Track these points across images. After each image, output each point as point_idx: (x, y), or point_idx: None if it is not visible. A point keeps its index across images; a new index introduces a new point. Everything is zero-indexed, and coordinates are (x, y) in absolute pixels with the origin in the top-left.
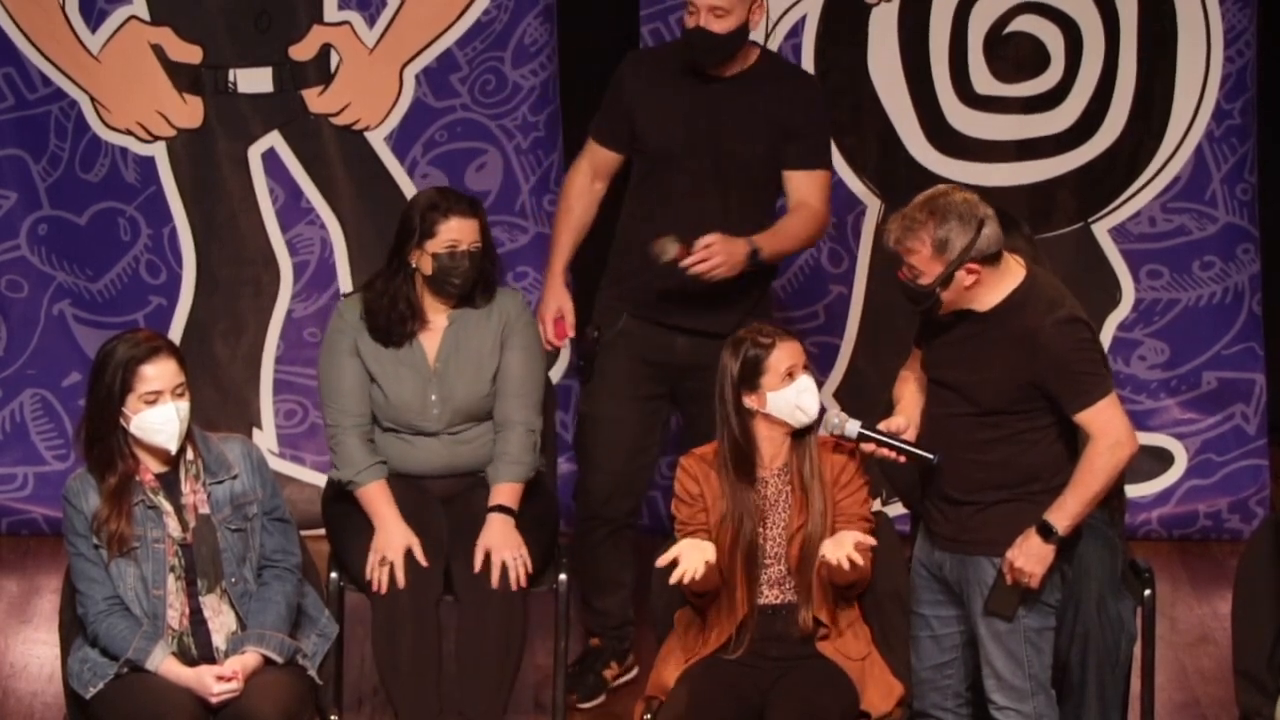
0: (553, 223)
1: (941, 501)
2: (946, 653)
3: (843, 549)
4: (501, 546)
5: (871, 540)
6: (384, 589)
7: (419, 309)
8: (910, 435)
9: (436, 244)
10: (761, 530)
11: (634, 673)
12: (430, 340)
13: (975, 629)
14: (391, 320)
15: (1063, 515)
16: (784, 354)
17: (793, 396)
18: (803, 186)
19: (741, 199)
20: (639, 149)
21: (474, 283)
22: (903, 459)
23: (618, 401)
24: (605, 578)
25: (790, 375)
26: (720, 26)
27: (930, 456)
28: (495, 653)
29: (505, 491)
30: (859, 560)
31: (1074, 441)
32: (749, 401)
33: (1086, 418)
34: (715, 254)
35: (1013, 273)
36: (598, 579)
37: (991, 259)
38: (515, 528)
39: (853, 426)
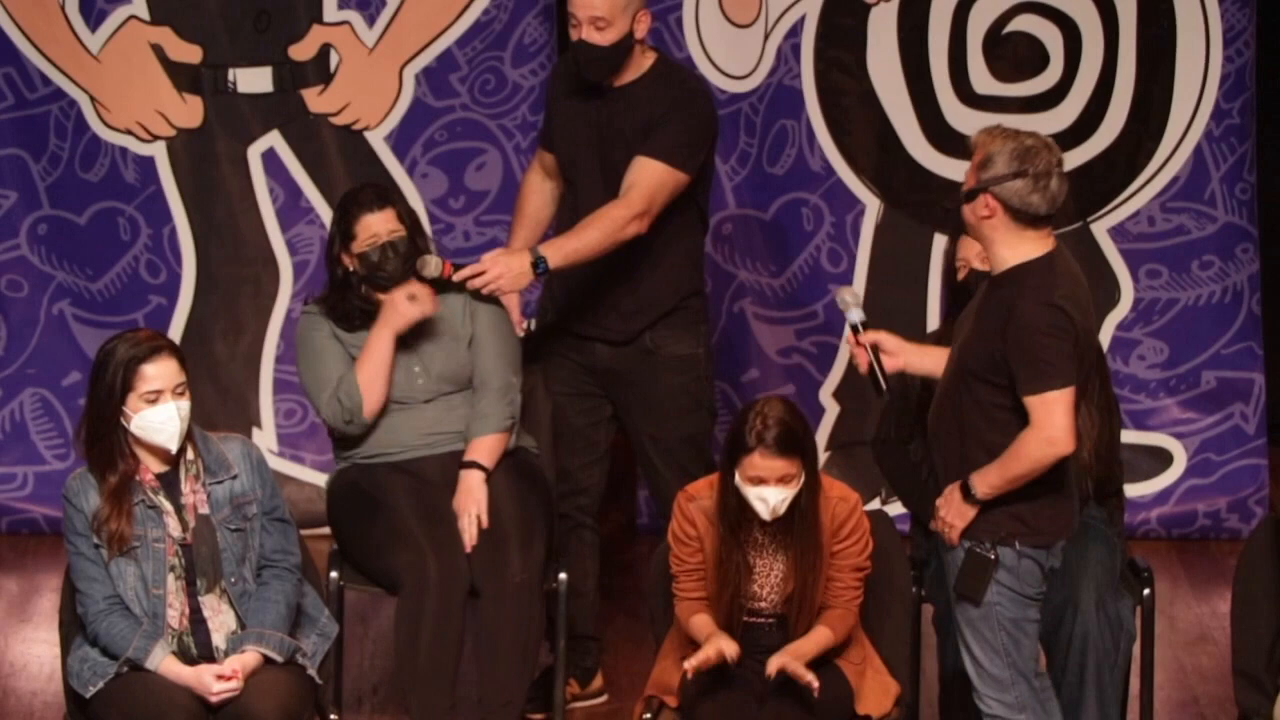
0: None
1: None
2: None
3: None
4: (460, 509)
5: (815, 684)
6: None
7: (373, 305)
8: (895, 363)
9: (359, 244)
10: (753, 578)
11: (601, 699)
12: None
13: (954, 616)
14: (352, 319)
15: (982, 482)
16: (760, 465)
17: (750, 498)
18: (634, 170)
19: None
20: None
21: (406, 270)
22: (865, 371)
23: (553, 393)
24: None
25: (753, 483)
26: (602, 39)
27: (882, 387)
28: (513, 646)
29: (477, 447)
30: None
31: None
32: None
33: (1033, 403)
34: (489, 266)
35: (1036, 246)
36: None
37: (1014, 213)
38: (485, 481)
39: (856, 314)
